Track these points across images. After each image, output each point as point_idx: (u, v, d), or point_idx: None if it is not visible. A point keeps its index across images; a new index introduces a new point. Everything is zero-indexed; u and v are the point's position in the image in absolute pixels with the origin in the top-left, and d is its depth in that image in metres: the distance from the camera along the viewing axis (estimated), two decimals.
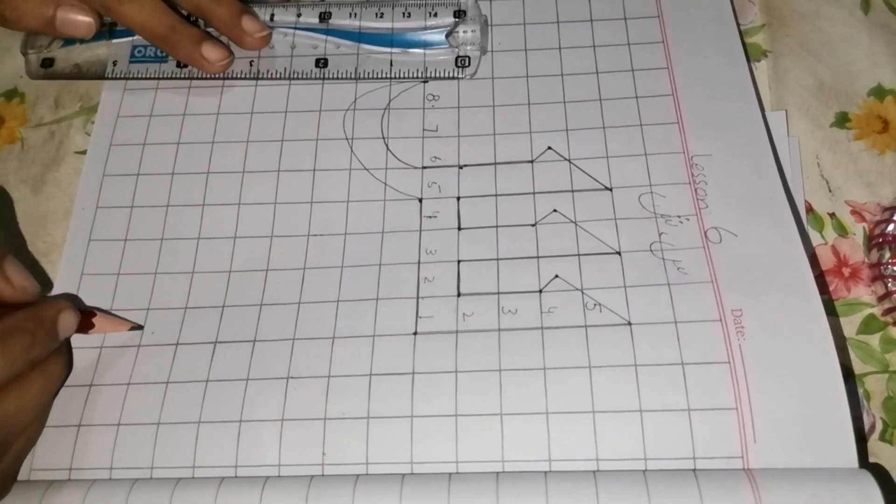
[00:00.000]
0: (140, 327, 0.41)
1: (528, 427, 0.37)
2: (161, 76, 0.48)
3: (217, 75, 0.48)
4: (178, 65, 0.48)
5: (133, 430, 0.38)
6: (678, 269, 0.40)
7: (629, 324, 0.39)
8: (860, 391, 0.40)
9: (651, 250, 0.41)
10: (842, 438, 0.35)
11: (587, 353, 0.38)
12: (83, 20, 0.45)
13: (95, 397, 0.39)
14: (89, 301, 0.42)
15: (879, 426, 0.39)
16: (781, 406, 0.36)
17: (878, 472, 0.35)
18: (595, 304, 0.39)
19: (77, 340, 0.41)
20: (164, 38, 0.46)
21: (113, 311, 0.42)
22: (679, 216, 0.42)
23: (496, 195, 0.43)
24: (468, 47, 0.48)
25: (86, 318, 0.39)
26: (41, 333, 0.35)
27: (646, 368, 0.37)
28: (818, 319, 0.38)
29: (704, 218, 0.41)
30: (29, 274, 0.37)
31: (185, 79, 0.48)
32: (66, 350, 0.39)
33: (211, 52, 0.46)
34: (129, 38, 0.49)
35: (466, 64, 0.47)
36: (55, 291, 0.42)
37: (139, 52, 0.49)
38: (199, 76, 0.48)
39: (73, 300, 0.42)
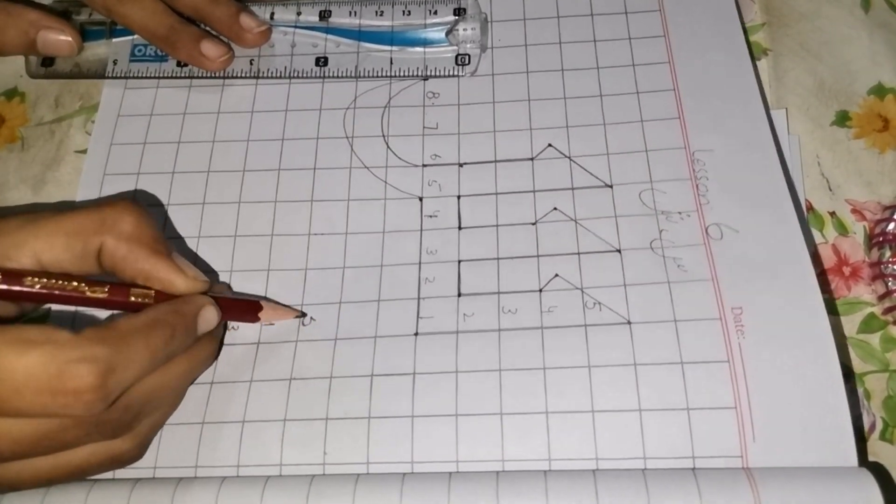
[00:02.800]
0: (304, 314, 0.41)
1: (528, 426, 0.37)
2: (161, 75, 0.48)
3: (217, 74, 0.48)
4: (179, 63, 0.48)
5: None
6: (678, 266, 0.40)
7: (629, 323, 0.39)
8: (860, 390, 0.40)
9: (651, 248, 0.41)
10: (841, 437, 0.35)
11: (587, 353, 0.38)
12: (64, 40, 0.46)
13: None
14: None
15: (880, 425, 0.39)
16: (781, 405, 0.36)
17: (878, 471, 0.35)
18: (595, 303, 0.39)
19: None
20: (164, 38, 0.46)
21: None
22: (680, 212, 0.42)
23: (496, 193, 0.43)
24: (468, 45, 0.48)
25: (253, 307, 0.40)
26: (181, 328, 0.35)
27: (645, 367, 0.37)
28: (819, 318, 0.38)
29: (705, 214, 0.41)
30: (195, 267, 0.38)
31: (185, 77, 0.48)
32: (216, 337, 0.39)
33: (210, 49, 0.46)
34: (129, 38, 0.49)
35: (466, 62, 0.47)
36: None
37: (139, 51, 0.49)
38: (200, 75, 0.48)
39: (232, 289, 0.42)
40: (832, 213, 0.44)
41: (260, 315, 0.40)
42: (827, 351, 0.37)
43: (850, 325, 0.41)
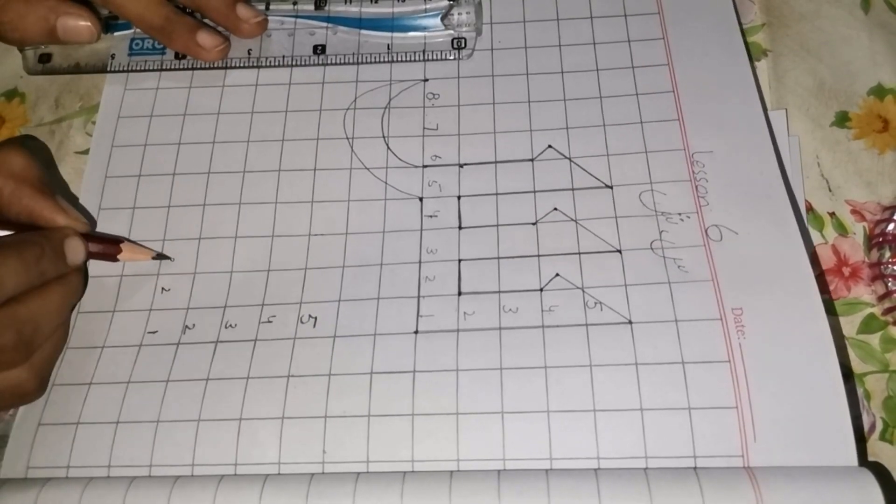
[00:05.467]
0: (167, 257, 0.43)
1: (529, 425, 0.37)
2: (161, 68, 0.48)
3: (215, 64, 0.48)
4: (177, 56, 0.48)
5: (131, 427, 0.38)
6: (679, 267, 0.40)
7: (630, 322, 0.39)
8: (860, 391, 0.40)
9: (652, 248, 0.41)
10: (841, 437, 0.35)
11: (588, 352, 0.38)
12: (84, 25, 0.46)
13: (94, 395, 0.39)
14: (87, 301, 0.42)
15: (879, 425, 0.39)
16: (781, 405, 0.36)
17: (878, 471, 0.35)
18: (596, 303, 0.39)
19: (77, 339, 0.41)
20: (161, 29, 0.47)
21: (116, 309, 0.42)
22: (680, 214, 0.42)
23: (497, 194, 0.43)
24: (464, 29, 0.48)
25: (112, 246, 0.42)
26: (49, 250, 0.38)
27: (646, 367, 0.37)
28: (818, 319, 0.38)
29: (705, 216, 0.41)
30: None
31: (184, 69, 0.48)
32: (83, 270, 0.42)
33: (206, 39, 0.47)
34: (127, 32, 0.49)
35: (463, 45, 0.48)
36: None
37: (137, 45, 0.49)
38: (199, 66, 0.48)
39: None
40: (832, 214, 0.44)
41: (119, 256, 0.42)
42: (827, 352, 0.37)
43: (849, 325, 0.41)
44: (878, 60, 0.47)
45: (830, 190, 0.44)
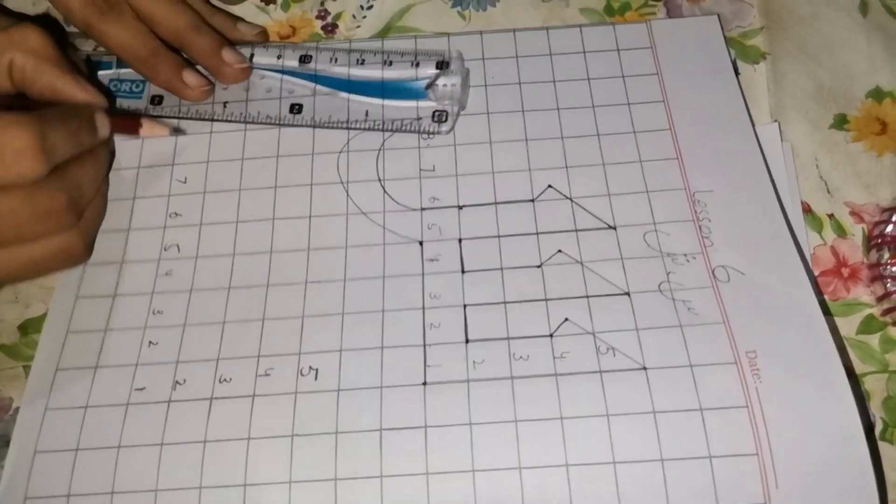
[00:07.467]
0: (182, 131, 0.46)
1: (548, 480, 0.36)
2: (138, 113, 0.46)
3: (186, 115, 0.46)
4: (152, 101, 0.47)
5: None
6: (689, 309, 0.39)
7: (644, 368, 0.38)
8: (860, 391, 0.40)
9: (660, 290, 0.40)
10: (863, 483, 0.35)
11: (604, 401, 0.37)
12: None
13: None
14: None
15: (879, 426, 0.40)
16: (802, 450, 0.36)
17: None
18: (608, 349, 0.39)
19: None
20: (145, 61, 0.45)
21: (99, 365, 0.41)
22: (685, 254, 0.41)
23: (499, 236, 0.42)
24: (446, 102, 0.46)
25: (132, 121, 0.43)
26: (84, 122, 0.39)
27: (664, 415, 0.37)
28: (831, 360, 0.38)
29: (711, 256, 0.41)
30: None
31: (160, 117, 0.46)
32: (110, 143, 0.44)
33: (191, 78, 0.46)
34: (108, 72, 0.48)
35: (444, 119, 0.45)
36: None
37: (114, 86, 0.48)
38: (172, 115, 0.46)
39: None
40: (830, 216, 0.44)
41: (140, 131, 0.43)
42: (843, 395, 0.37)
43: (849, 326, 0.42)
44: (877, 63, 0.47)
45: (829, 192, 0.44)
